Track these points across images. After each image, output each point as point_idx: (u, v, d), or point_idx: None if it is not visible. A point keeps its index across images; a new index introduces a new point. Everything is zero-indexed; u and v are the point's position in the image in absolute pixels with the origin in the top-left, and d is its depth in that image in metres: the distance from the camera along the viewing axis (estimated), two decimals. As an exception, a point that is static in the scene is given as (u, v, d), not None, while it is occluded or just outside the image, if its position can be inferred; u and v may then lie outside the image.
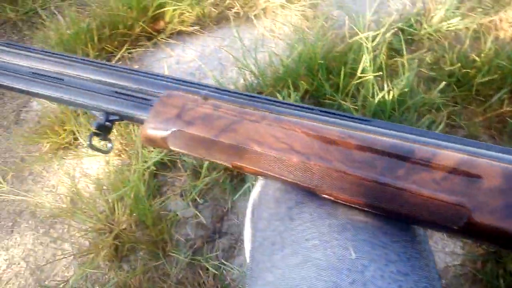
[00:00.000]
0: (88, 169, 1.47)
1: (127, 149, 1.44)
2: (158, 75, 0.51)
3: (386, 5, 1.80)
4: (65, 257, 1.30)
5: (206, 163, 1.28)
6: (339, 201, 0.38)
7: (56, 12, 1.89)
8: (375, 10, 1.78)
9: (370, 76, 1.27)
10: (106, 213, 1.31)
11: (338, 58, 1.50)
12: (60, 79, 0.49)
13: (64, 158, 1.50)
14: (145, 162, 1.31)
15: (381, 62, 1.36)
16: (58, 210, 1.37)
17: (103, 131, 0.48)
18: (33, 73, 0.49)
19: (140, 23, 1.70)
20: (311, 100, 1.46)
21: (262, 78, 1.50)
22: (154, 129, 0.43)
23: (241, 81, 1.56)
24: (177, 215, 1.30)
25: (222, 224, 1.28)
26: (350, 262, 0.36)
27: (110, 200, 1.32)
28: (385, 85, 1.29)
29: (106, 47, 1.66)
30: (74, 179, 1.43)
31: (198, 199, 1.28)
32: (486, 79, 1.40)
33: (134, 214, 1.28)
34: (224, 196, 1.34)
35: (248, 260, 0.47)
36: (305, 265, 0.37)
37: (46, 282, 1.28)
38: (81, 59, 0.51)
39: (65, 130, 1.49)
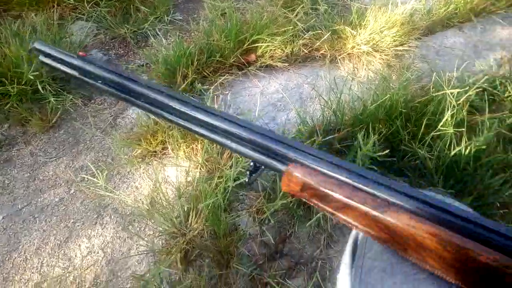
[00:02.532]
0: (170, 176, 1.62)
1: (207, 163, 1.57)
2: (289, 142, 0.58)
3: (472, 64, 1.84)
4: (140, 254, 1.42)
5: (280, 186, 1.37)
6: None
7: (161, 35, 2.14)
8: (460, 68, 1.83)
9: (450, 130, 1.32)
10: (181, 218, 1.43)
11: (418, 109, 1.55)
12: (215, 127, 0.61)
13: (150, 164, 1.66)
14: (227, 180, 1.43)
15: (462, 118, 1.40)
16: (138, 210, 1.52)
17: (252, 172, 0.59)
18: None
19: (235, 53, 1.87)
20: (385, 143, 1.51)
21: (341, 117, 1.59)
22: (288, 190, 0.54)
23: (319, 116, 1.65)
24: (245, 231, 1.39)
25: (284, 246, 1.35)
26: None
27: (186, 208, 1.44)
28: (463, 141, 1.32)
29: (203, 72, 1.85)
30: (156, 183, 1.57)
31: (270, 218, 1.36)
32: None
33: (207, 224, 1.39)
34: (289, 220, 1.42)
35: (348, 279, 0.55)
36: None
37: (119, 273, 1.41)
38: (230, 119, 0.61)
39: (156, 139, 1.66)
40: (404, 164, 1.45)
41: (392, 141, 1.52)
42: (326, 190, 0.49)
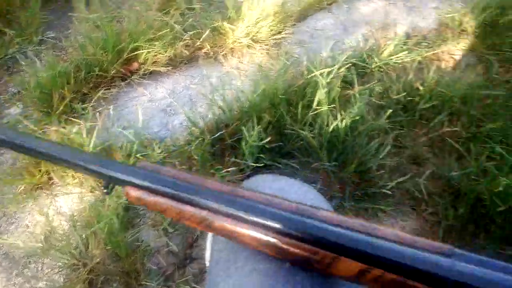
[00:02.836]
0: (62, 207, 1.52)
1: (100, 184, 1.50)
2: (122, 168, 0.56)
3: (342, 42, 1.97)
4: (39, 296, 1.32)
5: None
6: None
7: (34, 57, 1.99)
8: (332, 48, 1.95)
9: (324, 108, 1.40)
10: (80, 248, 1.36)
11: (297, 93, 1.63)
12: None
13: (38, 198, 1.55)
14: (118, 197, 1.38)
15: (335, 95, 1.49)
16: (32, 249, 1.41)
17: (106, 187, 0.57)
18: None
19: (115, 65, 1.81)
20: (273, 130, 1.57)
21: (229, 113, 1.61)
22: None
23: (210, 115, 1.66)
24: (149, 245, 1.36)
25: (192, 250, 1.35)
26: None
27: (84, 236, 1.37)
28: (338, 115, 1.41)
29: (82, 89, 1.75)
30: (48, 217, 1.47)
31: (169, 228, 1.34)
32: (429, 105, 1.55)
33: (108, 247, 1.33)
34: (194, 224, 1.41)
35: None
36: (253, 273, 0.47)
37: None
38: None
39: (40, 171, 1.54)
40: (291, 146, 1.51)
41: (278, 127, 1.57)
42: (160, 206, 0.50)
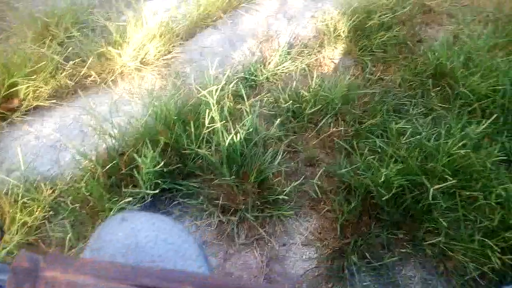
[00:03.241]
0: None
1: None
2: None
3: (230, 58, 2.02)
4: None
5: None
6: None
7: None
8: (221, 63, 2.00)
9: (217, 124, 1.42)
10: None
11: (191, 112, 1.63)
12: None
13: None
14: None
15: (227, 110, 1.53)
16: None
17: None
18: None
19: (-10, 105, 1.65)
20: (172, 152, 1.55)
21: (122, 140, 1.56)
22: None
23: (104, 145, 1.59)
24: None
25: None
26: None
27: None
28: (232, 129, 1.45)
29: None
30: None
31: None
32: (315, 109, 1.65)
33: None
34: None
35: None
36: None
37: None
38: None
39: None
40: (193, 166, 1.51)
41: (177, 148, 1.56)
42: None
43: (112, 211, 1.35)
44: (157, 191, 1.37)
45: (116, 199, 1.36)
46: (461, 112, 1.75)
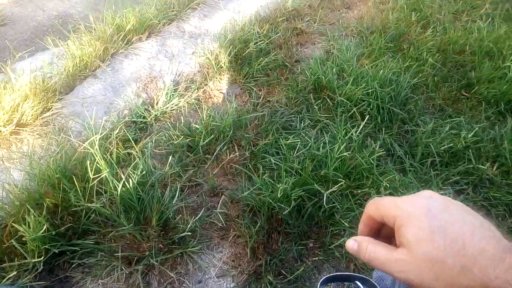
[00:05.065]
0: None
1: None
2: None
3: (115, 104, 1.96)
4: None
5: None
6: None
7: None
8: (106, 112, 1.93)
9: (104, 174, 1.35)
10: None
11: (78, 166, 1.53)
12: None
13: None
14: None
15: (115, 157, 1.46)
16: None
17: None
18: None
19: None
20: (63, 212, 1.43)
21: (3, 211, 1.41)
22: None
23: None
24: None
25: None
26: None
27: None
28: (122, 176, 1.38)
29: None
30: None
31: None
32: (208, 139, 1.66)
33: None
34: None
35: None
36: None
37: None
38: None
39: None
40: (87, 222, 1.41)
41: (67, 207, 1.45)
42: None
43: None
44: (43, 258, 1.24)
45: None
46: (342, 118, 1.89)
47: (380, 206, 0.44)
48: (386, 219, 0.43)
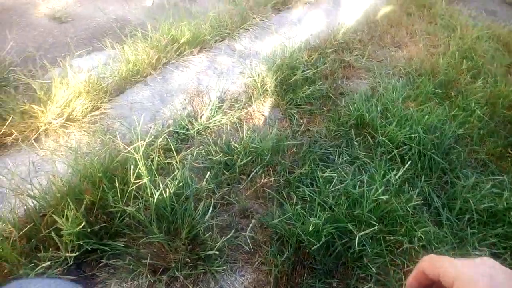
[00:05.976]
0: None
1: None
2: None
3: (161, 113, 2.02)
4: None
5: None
6: None
7: None
8: (151, 119, 1.99)
9: (144, 180, 1.39)
10: None
11: (119, 168, 1.58)
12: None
13: None
14: None
15: (156, 165, 1.50)
16: None
17: None
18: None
19: None
20: (99, 210, 1.48)
21: (43, 201, 1.47)
22: None
23: (23, 206, 1.48)
24: None
25: None
26: None
27: None
28: (161, 185, 1.42)
29: None
30: None
31: None
32: (246, 160, 1.68)
33: None
34: None
35: None
36: None
37: None
38: None
39: None
40: (120, 224, 1.44)
41: (104, 206, 1.49)
42: None
43: (30, 276, 1.24)
44: (76, 254, 1.28)
45: (35, 264, 1.25)
46: (382, 159, 1.87)
47: (438, 264, 0.44)
48: (443, 279, 0.43)
